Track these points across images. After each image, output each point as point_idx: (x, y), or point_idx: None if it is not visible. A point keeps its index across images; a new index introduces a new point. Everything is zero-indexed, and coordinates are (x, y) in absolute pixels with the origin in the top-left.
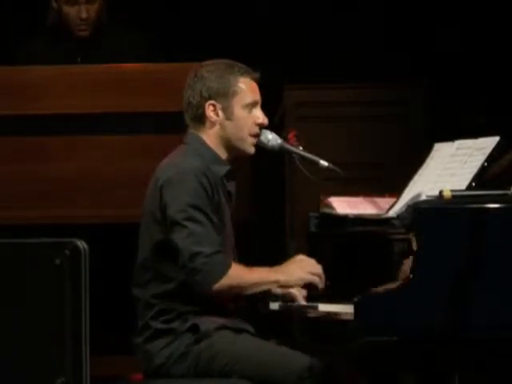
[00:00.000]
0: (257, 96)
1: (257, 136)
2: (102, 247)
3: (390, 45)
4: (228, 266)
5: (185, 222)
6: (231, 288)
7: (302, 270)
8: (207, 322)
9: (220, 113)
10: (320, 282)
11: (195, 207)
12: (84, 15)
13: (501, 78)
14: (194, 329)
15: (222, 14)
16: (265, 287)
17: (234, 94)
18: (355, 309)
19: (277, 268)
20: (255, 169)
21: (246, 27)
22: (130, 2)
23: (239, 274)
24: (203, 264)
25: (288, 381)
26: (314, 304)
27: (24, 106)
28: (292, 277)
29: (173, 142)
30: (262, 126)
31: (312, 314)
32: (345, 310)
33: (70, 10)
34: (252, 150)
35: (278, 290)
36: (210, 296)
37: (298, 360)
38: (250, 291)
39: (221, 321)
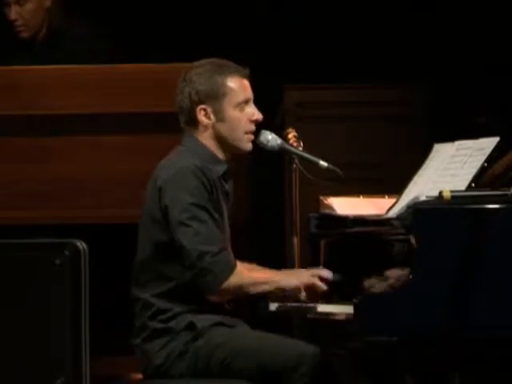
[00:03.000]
0: (248, 93)
1: (253, 132)
2: (102, 247)
3: (391, 45)
4: (234, 265)
5: (189, 222)
6: (237, 287)
7: (304, 274)
8: (203, 320)
9: (212, 116)
10: (322, 285)
11: (198, 206)
12: (12, 16)
13: (501, 78)
14: (191, 327)
15: (223, 14)
16: (265, 287)
17: (224, 95)
18: (355, 309)
19: (279, 271)
20: (255, 169)
21: (246, 27)
22: (129, 1)
23: (243, 273)
24: (212, 264)
25: (286, 367)
26: (314, 305)
27: (24, 105)
28: (293, 279)
29: (173, 141)
30: (256, 122)
31: (311, 315)
32: (344, 310)
33: (7, 12)
34: (249, 146)
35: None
36: (215, 296)
37: (295, 346)
38: (252, 291)
39: (217, 318)
